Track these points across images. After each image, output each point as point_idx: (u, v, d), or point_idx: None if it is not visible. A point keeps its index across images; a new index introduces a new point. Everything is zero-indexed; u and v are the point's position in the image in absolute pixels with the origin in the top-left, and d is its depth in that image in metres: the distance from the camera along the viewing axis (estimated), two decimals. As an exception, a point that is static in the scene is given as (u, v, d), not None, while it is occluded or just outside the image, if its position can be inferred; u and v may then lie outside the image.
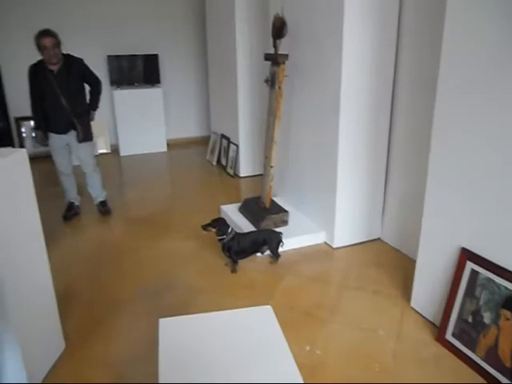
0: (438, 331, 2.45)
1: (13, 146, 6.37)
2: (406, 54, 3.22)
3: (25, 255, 2.04)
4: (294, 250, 3.57)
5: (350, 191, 3.52)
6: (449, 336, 2.38)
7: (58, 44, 3.73)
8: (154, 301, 2.90)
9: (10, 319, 1.90)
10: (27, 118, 6.32)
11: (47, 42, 3.64)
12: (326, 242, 3.71)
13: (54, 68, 3.81)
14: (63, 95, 3.85)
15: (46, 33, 3.66)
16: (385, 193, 3.66)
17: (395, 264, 3.35)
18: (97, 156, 6.52)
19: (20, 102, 6.20)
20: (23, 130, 6.46)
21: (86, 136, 4.08)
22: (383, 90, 3.34)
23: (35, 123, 4.11)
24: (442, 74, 2.29)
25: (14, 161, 1.90)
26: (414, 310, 2.75)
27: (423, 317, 2.68)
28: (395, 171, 3.54)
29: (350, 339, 2.50)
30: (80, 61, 3.99)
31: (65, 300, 2.78)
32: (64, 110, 3.88)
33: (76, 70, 3.93)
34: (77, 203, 4.42)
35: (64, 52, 3.87)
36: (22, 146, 6.46)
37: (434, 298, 2.57)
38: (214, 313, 1.79)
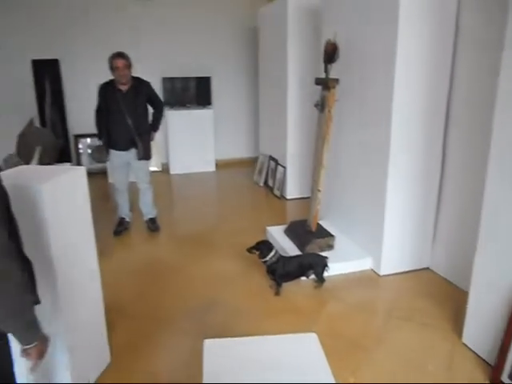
0: (493, 371, 2.31)
1: (70, 161, 6.70)
2: (462, 72, 3.14)
3: (79, 267, 2.13)
4: (340, 275, 3.50)
5: (399, 217, 3.43)
6: (505, 378, 2.24)
7: (128, 66, 3.94)
8: (198, 319, 2.93)
9: (62, 328, 1.98)
10: (84, 136, 6.66)
11: (119, 63, 3.85)
12: (372, 269, 3.62)
13: (123, 88, 4.00)
14: (128, 114, 4.02)
15: (119, 55, 3.89)
16: (436, 219, 3.54)
17: (445, 295, 3.21)
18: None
19: (79, 120, 6.58)
20: (80, 146, 6.78)
21: (146, 154, 4.22)
22: (437, 112, 3.27)
23: (100, 139, 4.29)
24: (501, 91, 2.20)
25: (74, 178, 2.01)
26: (465, 345, 2.62)
27: (476, 354, 2.54)
28: (448, 197, 3.42)
29: (396, 372, 2.41)
30: (147, 84, 4.19)
31: (112, 313, 2.84)
32: (128, 128, 4.04)
33: (143, 92, 4.11)
34: (128, 219, 4.56)
35: (134, 75, 4.09)
36: (78, 161, 6.78)
37: (489, 334, 2.43)
38: (259, 337, 1.78)
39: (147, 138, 4.24)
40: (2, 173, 1.51)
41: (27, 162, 3.37)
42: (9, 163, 4.37)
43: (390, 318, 2.94)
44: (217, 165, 7.07)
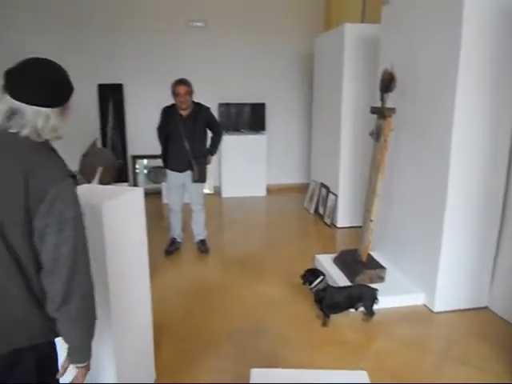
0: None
1: (127, 181, 6.97)
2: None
3: (131, 285, 2.19)
4: (390, 309, 3.38)
5: (456, 251, 3.28)
6: None
7: (190, 92, 4.10)
8: (242, 344, 2.91)
9: (111, 345, 2.03)
10: (142, 157, 6.93)
11: (181, 89, 4.03)
12: (425, 305, 3.46)
13: (184, 113, 4.17)
14: (187, 138, 4.17)
15: (181, 81, 4.08)
16: (496, 255, 3.36)
17: (504, 337, 3.01)
18: (201, 196, 6.94)
19: (137, 141, 6.87)
20: (137, 166, 7.06)
21: (201, 177, 4.33)
22: (500, 144, 3.14)
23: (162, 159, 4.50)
24: None
25: (133, 198, 2.09)
26: (527, 395, 2.43)
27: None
28: (509, 234, 3.24)
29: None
30: (207, 109, 4.32)
31: (159, 332, 2.88)
32: (185, 151, 4.18)
33: (202, 117, 4.25)
34: (179, 239, 4.65)
35: (195, 100, 4.26)
36: (135, 181, 7.04)
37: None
38: (308, 371, 1.75)
39: (203, 161, 4.34)
40: None
41: (89, 181, 3.56)
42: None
43: (444, 358, 2.79)
44: (268, 190, 7.11)
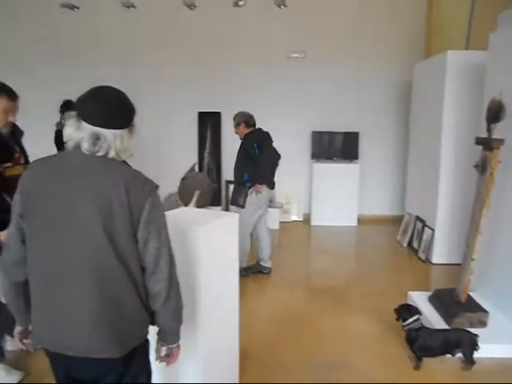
0: None
1: (220, 205, 7.21)
2: None
3: (221, 306, 2.23)
4: (493, 359, 3.06)
5: None
6: None
7: (236, 125, 4.69)
8: (324, 378, 2.81)
9: (199, 362, 2.07)
10: (233, 182, 7.13)
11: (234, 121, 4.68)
12: (535, 358, 3.09)
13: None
14: (236, 161, 4.64)
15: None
16: None
17: None
18: (289, 223, 6.95)
19: (231, 167, 7.10)
20: (230, 191, 7.27)
21: (233, 200, 4.66)
22: None
23: None
24: None
25: (228, 223, 2.16)
26: None
27: None
28: None
29: None
30: (249, 137, 4.56)
31: (243, 355, 2.88)
32: (235, 171, 4.66)
33: (243, 145, 4.59)
34: (263, 264, 4.69)
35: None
36: (227, 205, 7.25)
37: None
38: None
39: (241, 187, 4.62)
40: (167, 212, 1.70)
41: (186, 204, 3.74)
42: (168, 201, 4.93)
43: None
44: (359, 220, 6.93)
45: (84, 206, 1.36)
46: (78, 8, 5.98)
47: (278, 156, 4.66)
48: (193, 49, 6.91)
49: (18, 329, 1.68)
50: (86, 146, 1.40)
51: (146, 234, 1.42)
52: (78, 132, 1.40)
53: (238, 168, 4.59)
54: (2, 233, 2.12)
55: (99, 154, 1.41)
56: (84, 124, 1.40)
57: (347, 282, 4.67)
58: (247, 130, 4.57)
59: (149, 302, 1.51)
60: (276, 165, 4.64)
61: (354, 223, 6.88)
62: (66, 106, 5.39)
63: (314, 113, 7.06)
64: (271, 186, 4.59)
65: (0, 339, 2.75)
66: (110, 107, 1.43)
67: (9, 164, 2.53)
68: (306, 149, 7.13)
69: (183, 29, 6.81)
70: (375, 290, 4.29)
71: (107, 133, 1.41)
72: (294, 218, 7.18)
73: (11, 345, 2.98)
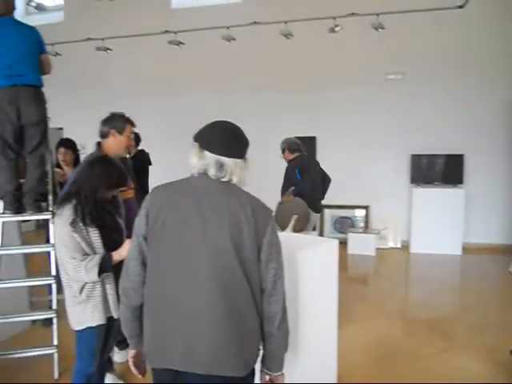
0: None
1: (314, 229, 7.16)
2: None
3: (319, 332, 2.21)
4: None
5: None
6: None
7: (282, 151, 4.87)
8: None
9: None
10: (329, 206, 7.08)
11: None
12: None
13: None
14: (282, 186, 4.72)
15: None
16: None
17: None
18: (386, 249, 6.69)
19: (329, 191, 7.06)
20: (326, 216, 7.22)
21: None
22: None
23: None
24: None
25: (327, 249, 2.15)
26: None
27: None
28: None
29: None
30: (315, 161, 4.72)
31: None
32: (281, 196, 4.70)
33: (288, 170, 4.69)
34: None
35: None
36: (322, 230, 7.19)
37: None
38: None
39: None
40: None
41: (283, 229, 3.80)
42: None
43: None
44: (464, 248, 6.45)
45: (214, 223, 1.49)
46: (183, 44, 6.45)
47: (328, 180, 4.70)
48: (289, 75, 7.08)
49: (132, 352, 1.74)
50: (212, 172, 1.53)
51: (268, 254, 1.52)
52: (202, 160, 1.55)
53: (282, 193, 4.68)
54: (115, 252, 2.29)
55: (224, 179, 1.55)
56: (207, 153, 1.54)
57: (451, 315, 4.35)
58: (291, 156, 4.74)
59: (264, 325, 1.56)
60: (324, 188, 4.73)
61: (459, 252, 6.42)
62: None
63: (412, 135, 6.80)
64: (315, 209, 4.65)
65: (109, 351, 2.97)
66: (231, 138, 1.58)
67: (124, 188, 2.77)
68: (405, 173, 6.86)
69: (280, 57, 7.02)
70: (485, 326, 3.93)
71: (229, 161, 1.54)
72: (392, 244, 6.90)
73: (119, 357, 3.21)
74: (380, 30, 5.90)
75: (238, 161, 1.55)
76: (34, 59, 3.22)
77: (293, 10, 6.30)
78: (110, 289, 2.32)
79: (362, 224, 7.09)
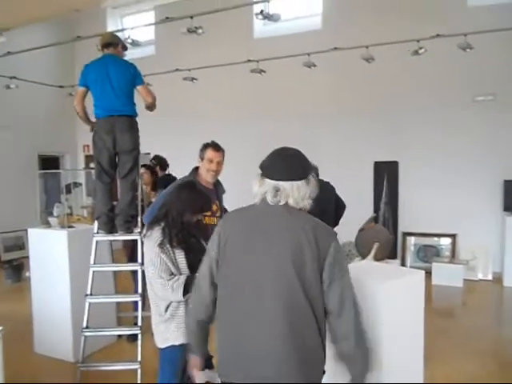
0: None
1: (396, 257, 6.88)
2: None
3: (405, 370, 2.09)
4: None
5: None
6: None
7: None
8: None
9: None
10: (412, 234, 6.78)
11: None
12: None
13: None
14: None
15: None
16: None
17: None
18: (475, 281, 6.22)
19: (409, 218, 6.78)
20: (408, 244, 6.90)
21: None
22: None
23: None
24: None
25: (412, 280, 2.05)
26: None
27: None
28: None
29: None
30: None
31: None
32: None
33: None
34: None
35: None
36: (403, 258, 6.89)
37: None
38: None
39: None
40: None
41: (364, 257, 3.70)
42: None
43: None
44: None
45: (276, 247, 1.56)
46: (264, 72, 6.63)
47: (343, 206, 4.36)
48: (370, 99, 7.00)
49: (194, 358, 1.89)
50: (269, 198, 1.62)
51: (331, 274, 1.53)
52: (262, 188, 1.65)
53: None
54: None
55: (281, 203, 1.61)
56: (266, 180, 1.64)
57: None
58: None
59: (337, 347, 1.58)
60: (337, 215, 4.36)
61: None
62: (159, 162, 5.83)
63: (505, 159, 6.34)
64: None
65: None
66: (288, 163, 1.66)
67: (208, 213, 2.86)
68: (497, 199, 6.39)
69: (360, 81, 6.96)
70: None
71: (285, 184, 1.61)
72: (481, 276, 6.41)
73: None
74: (468, 50, 5.64)
75: (296, 183, 1.61)
76: (129, 92, 3.50)
77: (374, 34, 6.23)
78: None
79: (447, 253, 6.67)
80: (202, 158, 3.04)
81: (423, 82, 6.69)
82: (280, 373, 1.53)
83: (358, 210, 6.52)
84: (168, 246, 2.32)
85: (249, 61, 6.59)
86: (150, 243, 2.35)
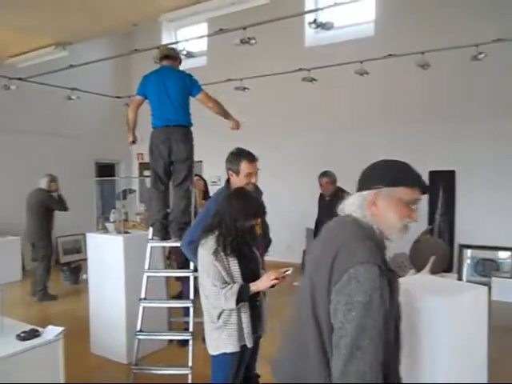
0: None
1: (451, 270, 6.60)
2: None
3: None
4: None
5: None
6: None
7: (331, 183, 4.97)
8: None
9: None
10: (469, 246, 6.48)
11: (322, 180, 5.01)
12: None
13: (328, 198, 4.98)
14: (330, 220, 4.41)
15: (324, 173, 5.05)
16: None
17: None
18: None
19: (466, 230, 6.50)
20: (465, 257, 6.60)
21: None
22: None
23: None
24: None
25: (475, 296, 1.96)
26: None
27: None
28: None
29: None
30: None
31: None
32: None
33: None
34: None
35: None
36: (460, 271, 6.59)
37: None
38: None
39: None
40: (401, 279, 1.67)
41: (419, 270, 3.58)
42: (393, 262, 4.77)
43: None
44: None
45: (314, 258, 1.53)
46: (316, 80, 6.60)
47: None
48: (425, 106, 6.81)
49: None
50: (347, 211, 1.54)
51: (336, 301, 1.36)
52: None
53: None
54: (253, 284, 2.38)
55: (341, 213, 1.55)
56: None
57: None
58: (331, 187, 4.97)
59: None
60: None
61: None
62: None
63: None
64: None
65: (240, 379, 3.00)
66: (365, 172, 1.57)
67: (259, 220, 2.74)
68: None
69: (415, 88, 6.78)
70: None
71: (353, 195, 1.54)
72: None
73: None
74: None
75: (365, 193, 1.49)
76: (185, 103, 3.60)
77: (429, 39, 6.07)
78: (245, 317, 2.41)
79: (508, 267, 6.33)
80: (236, 173, 2.77)
81: (483, 88, 6.42)
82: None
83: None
84: (222, 253, 2.35)
85: (300, 69, 6.59)
86: (205, 251, 2.39)
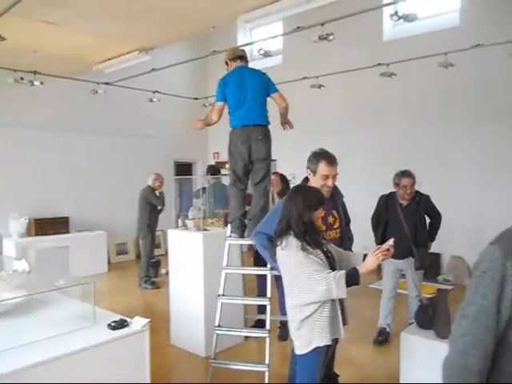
0: None
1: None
2: None
3: None
4: None
5: None
6: None
7: (414, 184, 4.11)
8: None
9: None
10: None
11: (407, 182, 4.07)
12: None
13: (405, 202, 4.17)
14: (408, 226, 4.09)
15: (407, 174, 4.09)
16: None
17: None
18: None
19: None
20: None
21: (423, 264, 4.16)
22: None
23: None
24: None
25: None
26: None
27: None
28: None
29: None
30: (427, 198, 4.26)
31: None
32: (406, 239, 4.07)
33: (422, 205, 4.19)
34: (388, 329, 4.35)
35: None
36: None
37: None
38: None
39: (425, 248, 4.22)
40: None
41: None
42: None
43: None
44: None
45: None
46: (395, 75, 6.34)
47: (438, 216, 4.30)
48: (478, 103, 6.40)
49: None
50: None
51: None
52: None
53: (422, 227, 4.25)
54: (361, 266, 2.35)
55: None
56: None
57: None
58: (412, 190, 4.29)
59: None
60: (434, 228, 4.33)
61: None
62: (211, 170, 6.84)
63: None
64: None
65: (321, 376, 2.93)
66: None
67: (322, 213, 2.64)
68: None
69: (505, 80, 6.29)
70: None
71: None
72: None
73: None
74: None
75: None
76: (263, 102, 3.61)
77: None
78: (338, 310, 2.42)
79: None
80: (313, 172, 2.78)
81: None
82: None
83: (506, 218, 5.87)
84: (309, 247, 2.33)
85: (379, 64, 6.37)
86: (291, 250, 2.36)
